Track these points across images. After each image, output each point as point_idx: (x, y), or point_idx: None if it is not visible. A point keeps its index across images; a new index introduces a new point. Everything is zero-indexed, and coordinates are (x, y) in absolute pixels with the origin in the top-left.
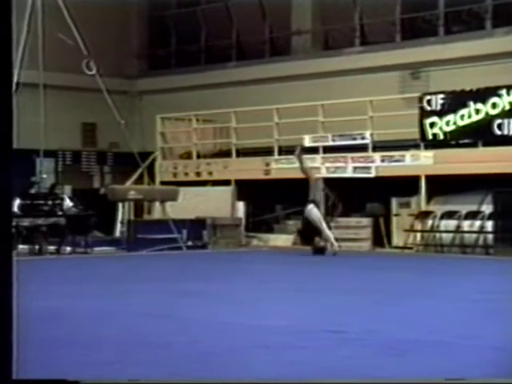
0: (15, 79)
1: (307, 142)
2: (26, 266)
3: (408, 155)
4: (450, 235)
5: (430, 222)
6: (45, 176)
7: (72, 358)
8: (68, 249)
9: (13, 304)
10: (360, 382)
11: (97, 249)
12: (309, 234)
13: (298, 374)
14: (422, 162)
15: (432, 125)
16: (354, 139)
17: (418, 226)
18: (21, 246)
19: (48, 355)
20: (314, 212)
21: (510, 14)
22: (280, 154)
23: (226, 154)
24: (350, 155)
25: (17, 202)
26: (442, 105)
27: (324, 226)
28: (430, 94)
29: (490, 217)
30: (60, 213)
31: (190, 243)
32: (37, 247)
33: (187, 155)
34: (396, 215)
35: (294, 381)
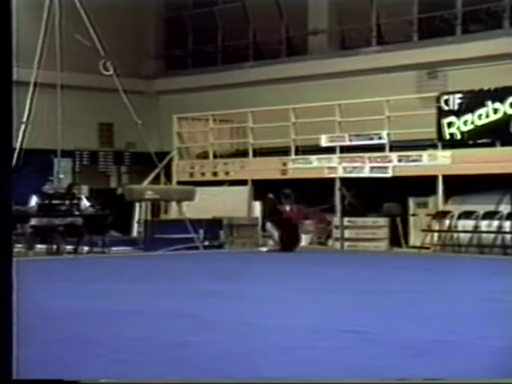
0: (33, 79)
1: (324, 141)
2: (43, 266)
3: (425, 155)
4: (468, 235)
5: (447, 222)
6: (62, 176)
7: (92, 358)
8: (85, 248)
9: (13, 304)
10: (364, 383)
11: (114, 248)
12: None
13: (316, 374)
14: (439, 161)
15: (449, 124)
16: (371, 139)
17: (436, 226)
18: (39, 246)
19: (67, 355)
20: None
21: None
22: (297, 153)
23: (242, 153)
24: (366, 155)
25: (35, 201)
26: (460, 104)
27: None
28: (448, 93)
29: (508, 217)
30: (77, 213)
31: (206, 243)
32: (54, 247)
33: (204, 155)
34: (413, 215)
35: (307, 380)
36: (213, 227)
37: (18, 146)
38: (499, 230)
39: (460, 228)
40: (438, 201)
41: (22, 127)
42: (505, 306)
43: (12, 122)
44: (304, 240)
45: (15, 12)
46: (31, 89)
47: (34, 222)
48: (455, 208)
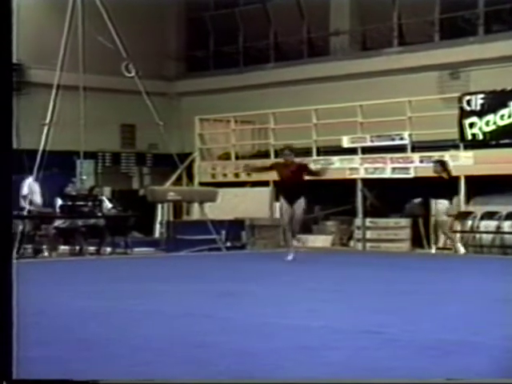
0: (56, 82)
1: (345, 142)
2: (66, 266)
3: (447, 156)
4: (490, 236)
5: (469, 223)
6: (85, 177)
7: (112, 357)
8: (108, 249)
9: (13, 304)
10: (363, 382)
11: (136, 249)
12: None
13: (336, 375)
14: (461, 162)
15: (471, 125)
16: (393, 140)
17: (458, 227)
18: (62, 247)
19: (87, 355)
20: None
21: None
22: (318, 154)
23: (264, 154)
24: (388, 156)
25: (58, 203)
26: (482, 105)
27: None
28: (470, 94)
29: None
30: (99, 214)
31: (228, 244)
32: (77, 248)
33: (226, 156)
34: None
35: (307, 380)
36: (235, 228)
37: (41, 147)
38: None
39: (482, 229)
40: (460, 201)
41: (45, 129)
42: None
43: (12, 122)
44: (326, 241)
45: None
46: (54, 91)
47: (57, 223)
48: (478, 209)
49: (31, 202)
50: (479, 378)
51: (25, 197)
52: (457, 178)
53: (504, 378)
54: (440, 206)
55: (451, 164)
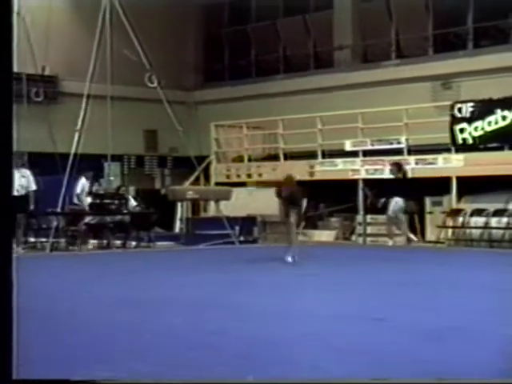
0: (86, 92)
1: (348, 146)
2: (95, 259)
3: (440, 158)
4: (479, 231)
5: (460, 219)
6: (112, 178)
7: (134, 342)
8: (133, 243)
9: (13, 304)
10: (361, 382)
11: (158, 243)
12: None
13: (342, 360)
14: (453, 164)
15: (462, 130)
16: (391, 144)
17: (450, 223)
18: (91, 241)
19: (114, 338)
20: None
21: None
22: (323, 157)
23: (274, 157)
24: (387, 158)
25: (88, 201)
26: (472, 112)
27: None
28: (461, 102)
29: None
30: (125, 211)
31: (241, 238)
32: (105, 242)
33: (239, 159)
34: (429, 213)
35: (308, 380)
36: (247, 224)
37: (72, 151)
38: (508, 226)
39: (472, 224)
40: (451, 200)
41: (77, 134)
42: None
43: (12, 122)
44: (330, 236)
45: (69, 32)
46: (85, 100)
47: (87, 219)
48: (468, 206)
49: (79, 199)
50: (473, 377)
51: (78, 195)
52: (449, 179)
53: (503, 378)
54: (395, 204)
55: (443, 166)
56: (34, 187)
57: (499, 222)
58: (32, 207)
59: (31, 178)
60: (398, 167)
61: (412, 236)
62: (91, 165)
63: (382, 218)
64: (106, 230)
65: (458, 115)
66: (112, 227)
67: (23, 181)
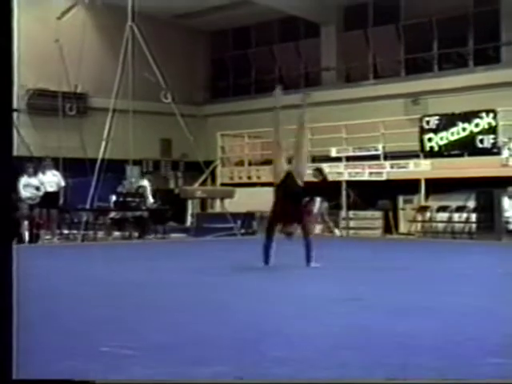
0: (111, 106)
1: (333, 153)
2: (121, 248)
3: (411, 163)
4: (444, 224)
5: (428, 214)
6: (133, 180)
7: (152, 321)
8: (151, 235)
9: (13, 304)
10: (359, 382)
11: (172, 235)
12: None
13: (329, 334)
14: (421, 168)
15: (429, 139)
16: (370, 151)
17: (419, 218)
18: (115, 233)
19: (137, 315)
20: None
21: (487, 56)
22: (313, 162)
23: (270, 162)
24: (366, 163)
25: (112, 199)
26: (437, 124)
27: None
28: (428, 116)
29: (473, 210)
30: (144, 208)
31: (242, 231)
32: (127, 234)
33: (241, 163)
34: (402, 209)
35: (308, 380)
36: (248, 219)
37: (100, 157)
38: (467, 221)
39: (438, 219)
40: (420, 198)
41: (104, 143)
42: (475, 276)
43: (12, 123)
44: (317, 229)
45: (98, 56)
46: (110, 114)
47: (112, 214)
48: (434, 203)
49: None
50: (472, 377)
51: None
52: (418, 181)
53: (501, 378)
54: (319, 203)
55: (414, 169)
56: (63, 183)
57: (460, 216)
58: (61, 201)
59: (60, 176)
60: (319, 172)
61: (336, 231)
62: (116, 168)
63: (361, 213)
64: (128, 224)
65: (426, 127)
66: (133, 221)
67: (55, 179)
